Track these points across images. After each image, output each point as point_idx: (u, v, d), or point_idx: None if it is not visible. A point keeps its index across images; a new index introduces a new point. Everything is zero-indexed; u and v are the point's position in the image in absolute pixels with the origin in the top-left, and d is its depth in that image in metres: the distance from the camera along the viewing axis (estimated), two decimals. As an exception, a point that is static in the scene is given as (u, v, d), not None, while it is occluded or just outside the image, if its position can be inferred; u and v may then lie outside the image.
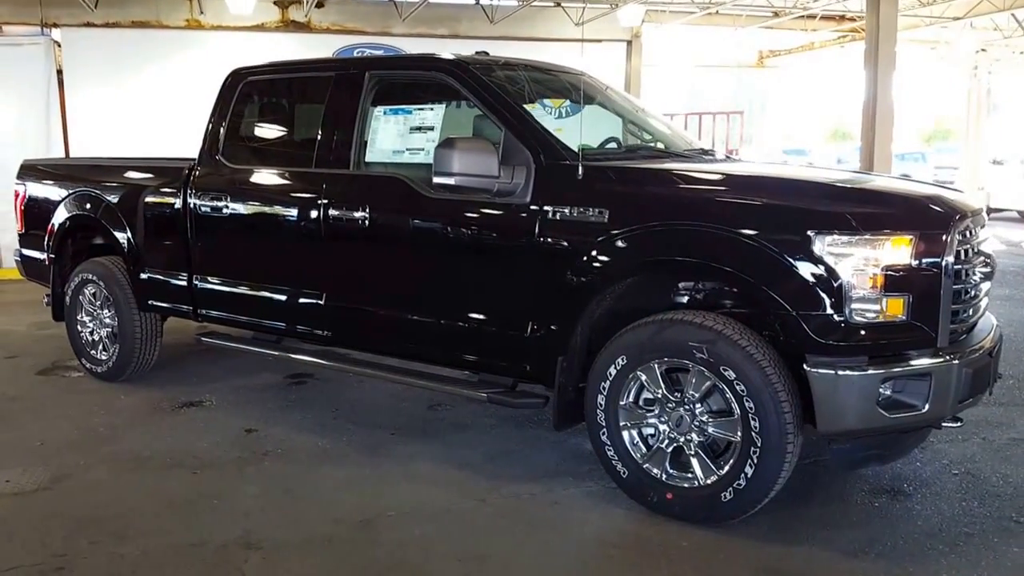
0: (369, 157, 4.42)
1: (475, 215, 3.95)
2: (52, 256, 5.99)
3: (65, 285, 5.93)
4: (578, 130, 5.00)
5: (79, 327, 5.89)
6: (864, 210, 3.27)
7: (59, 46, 10.89)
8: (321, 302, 4.52)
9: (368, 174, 4.40)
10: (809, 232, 3.17)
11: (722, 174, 3.79)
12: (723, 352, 3.31)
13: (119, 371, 5.69)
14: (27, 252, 6.32)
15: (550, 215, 3.72)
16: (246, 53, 7.22)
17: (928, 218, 3.29)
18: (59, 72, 10.80)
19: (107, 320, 5.71)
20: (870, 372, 3.14)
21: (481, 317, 3.99)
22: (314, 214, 4.43)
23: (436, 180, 3.77)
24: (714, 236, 3.36)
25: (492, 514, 3.66)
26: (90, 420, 4.98)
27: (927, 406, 3.22)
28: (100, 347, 5.79)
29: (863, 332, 3.18)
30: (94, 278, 5.72)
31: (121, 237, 5.47)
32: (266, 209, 4.76)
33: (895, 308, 3.20)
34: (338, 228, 4.36)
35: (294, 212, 4.57)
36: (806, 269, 3.17)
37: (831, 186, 3.63)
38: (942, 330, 3.25)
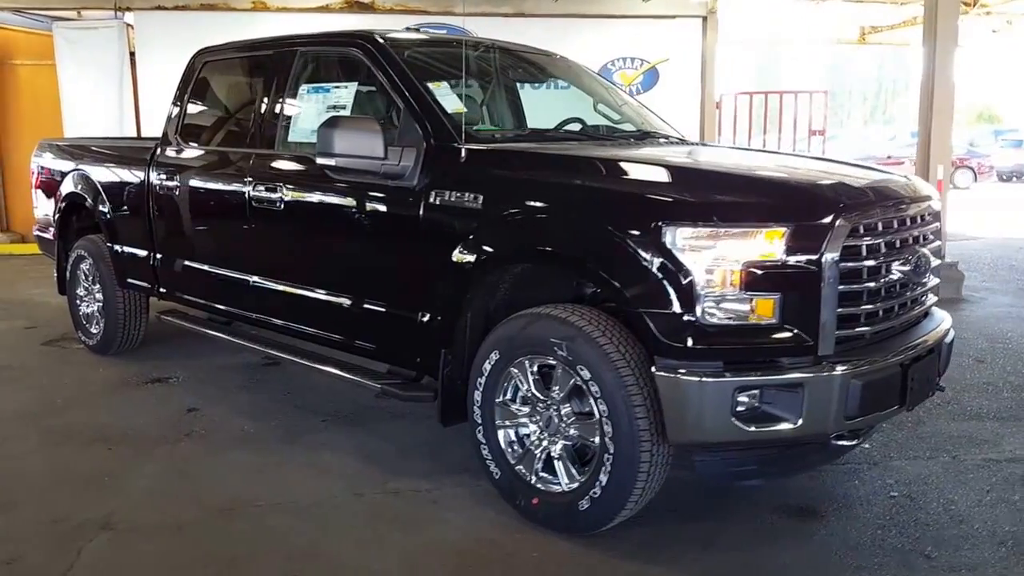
0: (292, 136, 4.33)
1: (366, 198, 3.79)
2: (56, 232, 6.23)
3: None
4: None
5: (77, 301, 6.11)
6: (727, 200, 2.92)
7: (132, 29, 11.35)
8: (250, 282, 4.49)
9: (285, 154, 4.31)
10: (660, 223, 2.85)
11: (606, 159, 3.48)
12: (580, 350, 3.04)
13: (107, 345, 5.86)
14: (40, 228, 6.60)
15: (432, 199, 3.52)
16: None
17: (806, 209, 2.90)
18: (132, 54, 11.26)
19: (97, 295, 5.88)
20: (720, 379, 2.80)
21: (375, 304, 3.85)
22: (241, 194, 4.39)
23: (319, 161, 3.64)
24: (568, 225, 3.09)
25: (360, 510, 3.52)
26: (55, 391, 5.14)
27: (800, 421, 2.85)
28: (94, 321, 5.98)
29: (720, 335, 2.84)
30: (86, 255, 5.91)
31: (103, 215, 5.62)
32: (205, 189, 4.76)
33: (764, 309, 2.84)
34: (260, 209, 4.30)
35: (227, 192, 4.55)
36: (655, 263, 2.85)
37: (698, 173, 3.26)
38: (824, 336, 2.87)
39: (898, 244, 3.16)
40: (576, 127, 4.41)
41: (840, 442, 3.03)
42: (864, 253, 2.98)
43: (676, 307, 2.83)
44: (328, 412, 4.72)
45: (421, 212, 3.55)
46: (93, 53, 11.00)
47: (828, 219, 2.85)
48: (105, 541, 3.26)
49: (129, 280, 5.52)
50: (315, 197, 4.07)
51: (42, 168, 6.47)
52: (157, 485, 3.80)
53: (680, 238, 2.83)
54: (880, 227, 3.07)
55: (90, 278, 5.92)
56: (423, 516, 3.46)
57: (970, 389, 5.16)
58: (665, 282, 2.84)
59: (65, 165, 6.15)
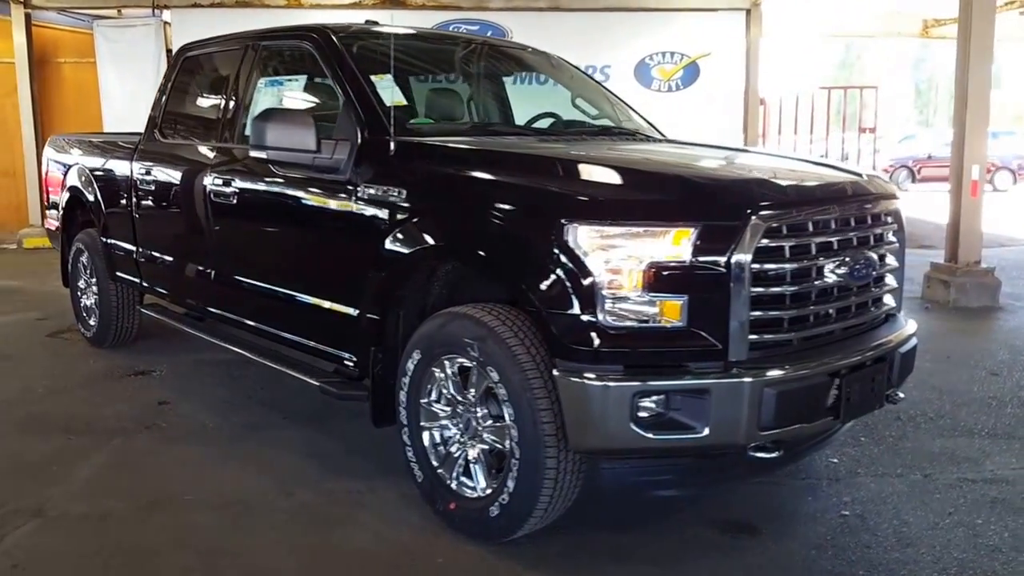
0: (247, 130, 4.29)
1: (303, 191, 3.75)
2: (59, 225, 6.37)
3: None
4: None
5: (79, 294, 6.23)
6: (633, 198, 2.79)
7: (169, 26, 11.58)
8: (211, 276, 4.49)
9: (238, 148, 4.29)
10: (561, 220, 2.72)
11: (519, 154, 3.37)
12: (491, 350, 2.93)
13: (102, 338, 5.95)
14: (49, 222, 6.76)
15: (360, 193, 3.45)
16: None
17: (715, 208, 2.74)
18: (169, 51, 11.47)
19: (94, 288, 5.98)
20: (619, 384, 2.66)
21: (313, 299, 3.80)
22: (203, 189, 4.39)
23: (252, 154, 3.61)
24: (478, 220, 2.99)
25: (284, 509, 3.46)
26: (41, 381, 5.22)
27: (707, 430, 2.69)
28: (92, 314, 6.08)
29: (624, 337, 2.69)
30: (83, 248, 6.01)
31: (96, 209, 5.71)
32: (175, 184, 4.77)
33: (671, 312, 2.69)
34: (218, 203, 4.30)
35: (192, 186, 4.56)
36: (556, 262, 2.73)
37: (607, 170, 3.07)
38: (735, 340, 2.70)
39: (835, 245, 2.97)
40: (546, 123, 4.30)
41: (759, 454, 2.84)
42: (787, 255, 2.80)
43: (577, 308, 2.70)
44: (292, 410, 4.68)
45: (352, 206, 3.49)
46: (131, 50, 11.26)
47: (739, 219, 2.68)
48: (32, 528, 3.28)
49: (118, 273, 5.59)
50: (260, 191, 4.04)
51: (51, 163, 6.62)
52: (99, 476, 3.82)
53: (582, 237, 2.69)
54: (810, 227, 2.89)
55: (87, 271, 6.03)
56: (344, 517, 3.39)
57: (972, 403, 4.86)
58: (567, 282, 2.71)
59: (69, 160, 6.27)
